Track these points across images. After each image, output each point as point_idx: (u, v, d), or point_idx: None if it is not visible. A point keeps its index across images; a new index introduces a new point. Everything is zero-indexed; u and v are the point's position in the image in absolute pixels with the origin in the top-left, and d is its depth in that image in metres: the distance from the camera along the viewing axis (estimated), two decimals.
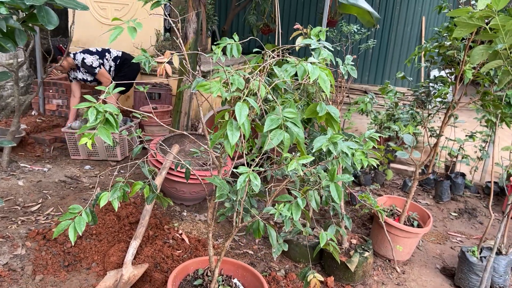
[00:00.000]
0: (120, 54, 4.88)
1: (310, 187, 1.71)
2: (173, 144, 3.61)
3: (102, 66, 4.70)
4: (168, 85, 5.10)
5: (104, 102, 1.39)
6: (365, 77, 8.87)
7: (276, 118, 1.35)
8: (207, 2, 6.31)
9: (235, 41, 1.61)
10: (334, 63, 1.87)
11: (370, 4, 8.27)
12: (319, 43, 1.67)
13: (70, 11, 5.77)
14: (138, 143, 4.85)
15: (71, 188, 3.98)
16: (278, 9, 4.77)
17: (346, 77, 1.94)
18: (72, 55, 4.63)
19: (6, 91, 5.47)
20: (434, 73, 6.43)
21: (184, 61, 1.83)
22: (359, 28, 5.45)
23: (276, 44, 3.31)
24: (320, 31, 2.24)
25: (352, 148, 1.51)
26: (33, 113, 5.70)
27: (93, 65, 4.66)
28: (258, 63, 2.06)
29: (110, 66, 4.82)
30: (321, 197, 2.00)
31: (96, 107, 1.35)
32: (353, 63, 1.92)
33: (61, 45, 4.63)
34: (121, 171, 4.37)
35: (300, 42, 1.73)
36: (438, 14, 3.51)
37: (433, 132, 4.35)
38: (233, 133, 1.34)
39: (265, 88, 1.53)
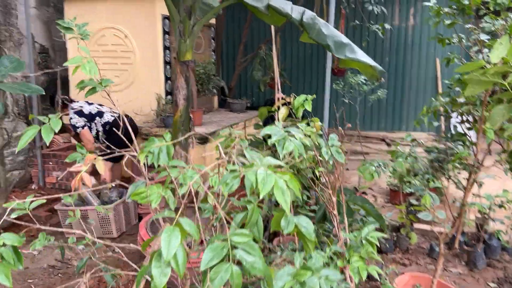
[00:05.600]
0: (111, 120, 4.77)
1: None
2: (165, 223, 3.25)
3: (86, 128, 4.74)
4: None
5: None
6: (381, 124, 8.47)
7: (220, 246, 0.98)
8: (210, 62, 6.16)
9: (166, 141, 1.27)
10: (317, 144, 1.51)
11: (380, 50, 8.02)
12: (286, 131, 1.32)
13: (70, 76, 5.69)
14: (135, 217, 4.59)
15: (59, 275, 3.63)
16: (276, 63, 4.52)
17: (330, 161, 1.58)
18: (70, 108, 4.77)
19: (6, 165, 5.31)
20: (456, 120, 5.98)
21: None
22: (366, 79, 5.13)
23: (276, 99, 3.00)
24: (306, 99, 1.90)
25: (332, 280, 1.10)
26: (33, 187, 5.50)
27: (76, 125, 4.72)
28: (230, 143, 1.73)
29: (98, 131, 4.76)
30: None
31: None
32: (339, 143, 1.56)
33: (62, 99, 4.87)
34: (116, 251, 4.02)
35: (263, 130, 1.39)
36: (446, 67, 3.15)
37: (458, 185, 3.87)
38: (161, 270, 0.97)
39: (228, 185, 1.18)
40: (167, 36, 5.46)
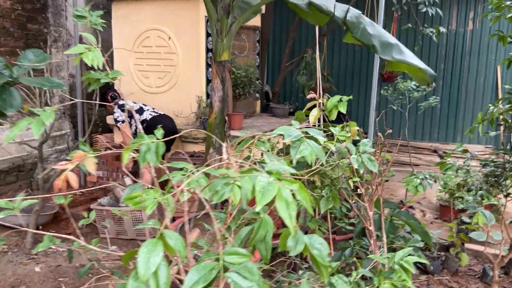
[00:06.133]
0: (149, 118, 4.78)
1: None
2: (194, 229, 3.13)
3: (127, 123, 4.81)
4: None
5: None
6: (434, 134, 7.97)
7: (209, 267, 0.81)
8: (253, 65, 6.04)
9: (157, 138, 1.12)
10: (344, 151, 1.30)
11: (434, 56, 7.56)
12: (309, 131, 1.13)
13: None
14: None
15: (90, 275, 3.60)
16: (319, 67, 4.29)
17: (360, 169, 1.37)
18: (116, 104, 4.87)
19: (49, 163, 5.43)
20: None
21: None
22: (417, 84, 4.80)
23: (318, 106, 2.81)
24: (341, 100, 1.69)
25: None
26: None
27: (118, 119, 4.77)
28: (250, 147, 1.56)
29: (137, 127, 4.75)
30: None
31: None
32: (371, 149, 1.35)
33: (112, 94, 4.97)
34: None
35: (276, 131, 1.21)
36: (506, 70, 2.81)
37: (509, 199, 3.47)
38: None
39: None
40: (210, 38, 5.39)
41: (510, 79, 7.46)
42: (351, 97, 1.74)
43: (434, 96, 4.97)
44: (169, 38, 5.44)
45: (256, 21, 6.30)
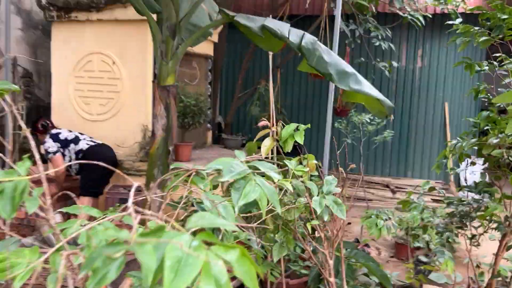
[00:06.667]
0: (86, 147, 4.40)
1: None
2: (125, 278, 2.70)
3: (59, 154, 4.39)
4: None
5: None
6: (386, 169, 7.97)
7: None
8: (204, 93, 5.77)
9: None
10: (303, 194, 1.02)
11: (386, 91, 7.64)
12: (258, 165, 0.84)
13: (53, 106, 5.28)
14: None
15: None
16: (273, 98, 4.07)
17: (325, 216, 1.09)
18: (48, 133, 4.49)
19: None
20: (472, 176, 5.48)
21: None
22: (372, 118, 4.71)
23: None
24: (297, 129, 1.42)
25: None
26: None
27: (48, 150, 4.39)
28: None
29: (70, 158, 4.40)
30: None
31: None
32: (337, 189, 1.08)
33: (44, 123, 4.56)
34: None
35: (212, 164, 0.90)
36: (474, 100, 2.70)
37: (474, 242, 3.33)
38: None
39: None
40: None
41: (457, 115, 7.65)
42: (308, 125, 1.49)
43: (388, 130, 4.88)
44: (114, 62, 5.08)
45: (208, 49, 6.08)
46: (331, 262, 1.66)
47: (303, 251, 3.29)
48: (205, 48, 5.90)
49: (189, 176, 1.25)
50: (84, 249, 0.83)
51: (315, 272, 2.66)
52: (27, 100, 5.41)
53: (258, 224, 1.26)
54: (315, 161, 1.57)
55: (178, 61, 3.11)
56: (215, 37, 6.05)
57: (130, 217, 0.84)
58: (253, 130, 8.09)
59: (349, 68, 2.92)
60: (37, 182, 1.29)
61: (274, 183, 0.89)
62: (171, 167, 1.28)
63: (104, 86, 5.16)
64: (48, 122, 4.66)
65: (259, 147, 2.85)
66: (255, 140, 1.91)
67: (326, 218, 1.18)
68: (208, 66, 6.33)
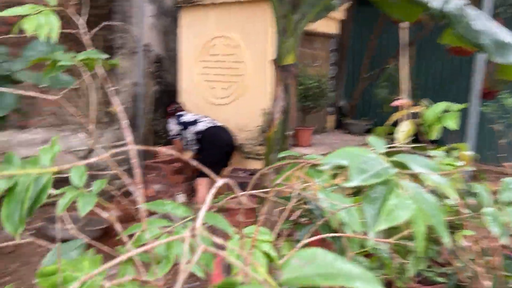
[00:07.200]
0: (204, 128, 4.45)
1: None
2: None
3: (178, 138, 4.66)
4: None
5: None
6: None
7: None
8: (326, 75, 5.45)
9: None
10: None
11: None
12: (396, 163, 0.54)
13: (180, 91, 5.48)
14: None
15: None
16: (404, 78, 3.59)
17: (502, 239, 0.74)
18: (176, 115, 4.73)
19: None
20: None
21: None
22: None
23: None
24: (447, 111, 1.08)
25: None
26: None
27: (170, 133, 4.70)
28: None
29: (188, 140, 4.55)
30: None
31: None
32: None
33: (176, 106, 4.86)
34: None
35: (333, 156, 0.62)
36: None
37: None
38: None
39: None
40: None
41: None
42: (465, 105, 1.12)
43: None
44: (237, 45, 5.03)
45: (331, 28, 5.69)
46: (485, 284, 1.27)
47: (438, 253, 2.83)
48: (329, 26, 5.53)
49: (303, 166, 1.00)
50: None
51: (454, 282, 2.22)
52: (158, 84, 5.69)
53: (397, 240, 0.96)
54: (469, 152, 1.19)
55: (299, 38, 2.86)
56: (341, 15, 5.63)
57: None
58: (378, 115, 7.48)
59: (510, 38, 2.35)
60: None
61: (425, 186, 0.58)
62: (280, 155, 1.04)
63: (227, 70, 5.16)
64: (176, 106, 4.88)
65: (390, 133, 2.47)
66: (386, 123, 1.57)
67: (504, 240, 0.81)
68: (330, 46, 5.97)
